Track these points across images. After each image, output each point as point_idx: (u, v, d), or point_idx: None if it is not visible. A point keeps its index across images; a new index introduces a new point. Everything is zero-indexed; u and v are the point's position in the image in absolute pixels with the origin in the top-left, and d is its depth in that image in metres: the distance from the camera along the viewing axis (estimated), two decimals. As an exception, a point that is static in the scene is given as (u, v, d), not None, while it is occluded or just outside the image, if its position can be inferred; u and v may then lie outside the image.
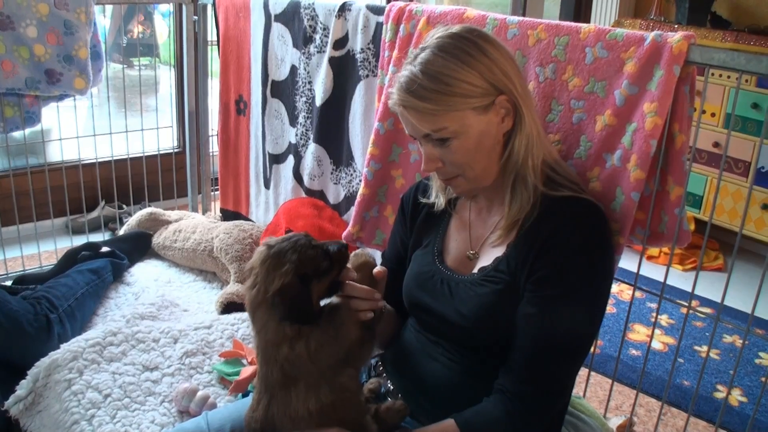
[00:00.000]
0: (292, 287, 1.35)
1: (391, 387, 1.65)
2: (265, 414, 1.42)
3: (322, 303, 1.45)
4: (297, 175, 2.86)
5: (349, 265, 1.47)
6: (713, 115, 3.90)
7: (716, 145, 3.92)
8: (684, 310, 1.82)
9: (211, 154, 3.59)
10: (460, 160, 1.45)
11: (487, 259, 1.53)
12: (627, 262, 2.15)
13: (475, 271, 1.54)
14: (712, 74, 3.78)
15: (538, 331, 1.39)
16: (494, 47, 1.43)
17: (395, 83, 1.45)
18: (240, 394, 2.08)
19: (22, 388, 2.04)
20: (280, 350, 1.37)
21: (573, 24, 1.75)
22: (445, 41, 1.42)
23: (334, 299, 1.46)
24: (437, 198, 1.68)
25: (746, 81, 3.70)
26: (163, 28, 5.39)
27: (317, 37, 2.59)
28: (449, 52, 1.40)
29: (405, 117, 1.44)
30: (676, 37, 1.56)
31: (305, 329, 1.37)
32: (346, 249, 1.46)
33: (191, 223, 3.04)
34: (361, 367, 1.55)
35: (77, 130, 3.17)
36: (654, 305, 3.51)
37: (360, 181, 2.35)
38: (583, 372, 2.43)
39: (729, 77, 3.78)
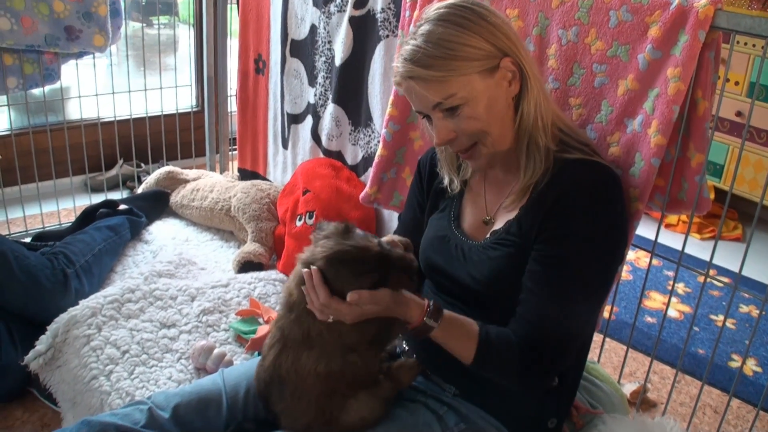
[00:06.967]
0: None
1: (406, 347, 1.67)
2: (273, 362, 1.45)
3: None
4: (315, 136, 2.85)
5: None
6: (737, 83, 3.85)
7: (739, 114, 3.87)
8: (701, 279, 1.82)
9: (229, 113, 3.59)
10: (474, 127, 1.44)
11: (500, 223, 1.53)
12: (645, 229, 2.14)
13: (488, 235, 1.54)
14: (738, 42, 3.72)
15: (542, 288, 1.39)
16: (492, 14, 1.43)
17: (398, 58, 1.43)
18: (256, 353, 2.10)
19: (42, 343, 2.06)
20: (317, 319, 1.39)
21: (597, -14, 1.73)
22: (442, 12, 1.42)
23: None
24: (450, 183, 1.67)
25: (772, 49, 3.65)
26: (182, -14, 5.36)
27: (337, -4, 2.57)
28: (449, 20, 1.40)
29: (412, 90, 1.43)
30: (702, 1, 1.53)
31: None
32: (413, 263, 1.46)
33: (209, 182, 3.05)
34: (384, 349, 1.58)
35: (96, 88, 3.17)
36: (671, 273, 3.50)
37: (378, 142, 2.34)
38: (597, 338, 2.44)
39: (754, 45, 3.72)
